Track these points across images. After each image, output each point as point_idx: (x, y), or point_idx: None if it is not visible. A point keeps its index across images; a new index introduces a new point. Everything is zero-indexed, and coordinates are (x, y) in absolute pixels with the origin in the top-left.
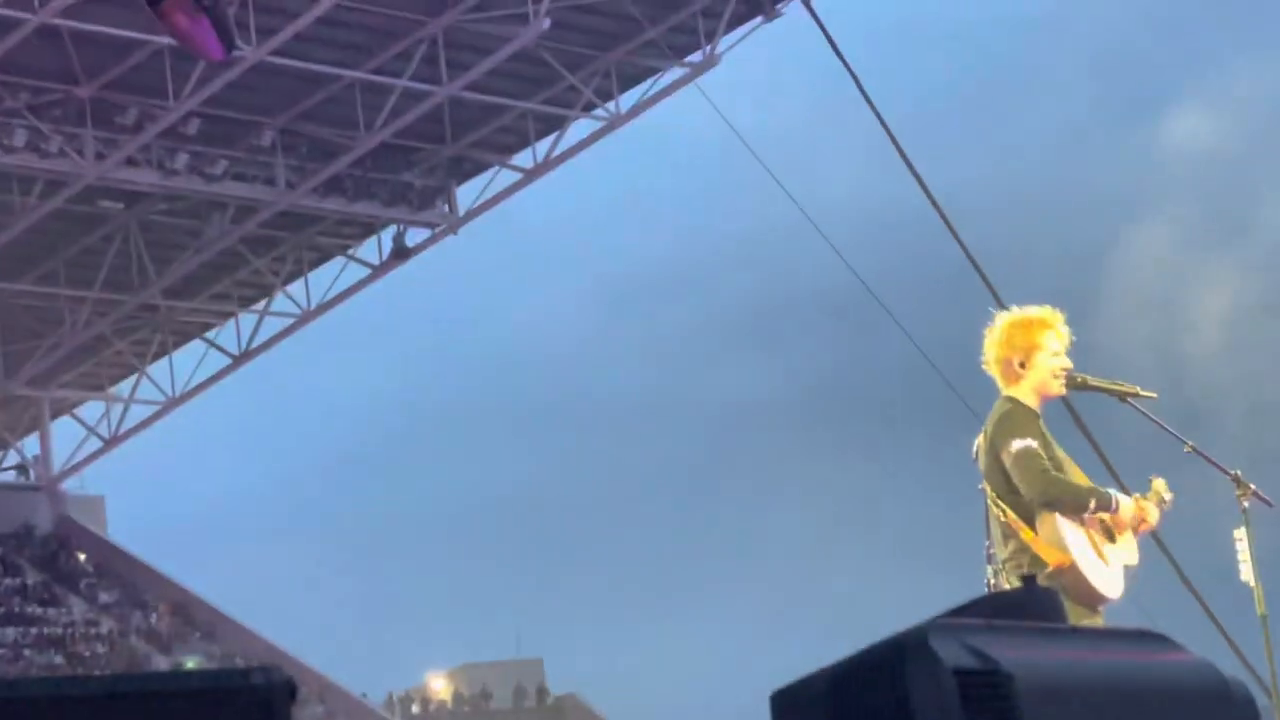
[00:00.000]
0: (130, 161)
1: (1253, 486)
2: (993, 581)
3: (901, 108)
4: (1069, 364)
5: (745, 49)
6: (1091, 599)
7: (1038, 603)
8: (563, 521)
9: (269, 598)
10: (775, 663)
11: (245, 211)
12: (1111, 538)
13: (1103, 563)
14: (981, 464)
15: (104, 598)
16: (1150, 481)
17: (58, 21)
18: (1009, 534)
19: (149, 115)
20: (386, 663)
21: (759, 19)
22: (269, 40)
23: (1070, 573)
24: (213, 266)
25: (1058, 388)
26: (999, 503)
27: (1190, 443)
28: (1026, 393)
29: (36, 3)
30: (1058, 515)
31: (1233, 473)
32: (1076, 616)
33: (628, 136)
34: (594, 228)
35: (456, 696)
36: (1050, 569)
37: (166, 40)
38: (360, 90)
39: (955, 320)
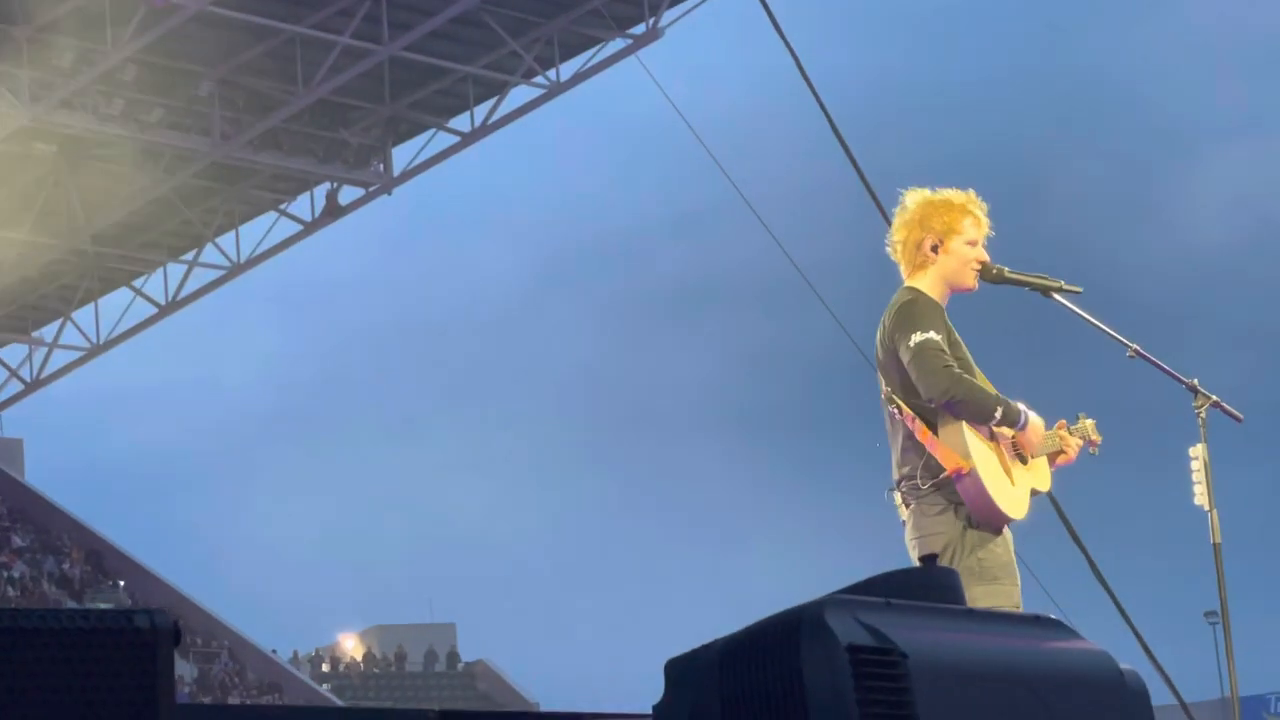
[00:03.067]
0: (65, 104)
1: (1213, 397)
2: (886, 497)
3: (843, 92)
4: (985, 256)
5: (688, 26)
6: (990, 514)
7: (937, 583)
8: (483, 490)
9: (185, 549)
10: (686, 631)
11: (179, 161)
12: (1023, 459)
13: (1007, 480)
14: (879, 361)
15: (17, 541)
16: (1078, 417)
17: None
18: (906, 441)
19: (86, 59)
20: (300, 621)
21: None
22: None
23: (969, 481)
24: (143, 215)
25: (971, 279)
26: (894, 398)
27: (1135, 346)
28: (933, 282)
29: None
30: (962, 420)
31: (1189, 381)
32: (978, 541)
33: (567, 106)
34: (529, 197)
35: (368, 657)
36: (947, 474)
37: None
38: (301, 45)
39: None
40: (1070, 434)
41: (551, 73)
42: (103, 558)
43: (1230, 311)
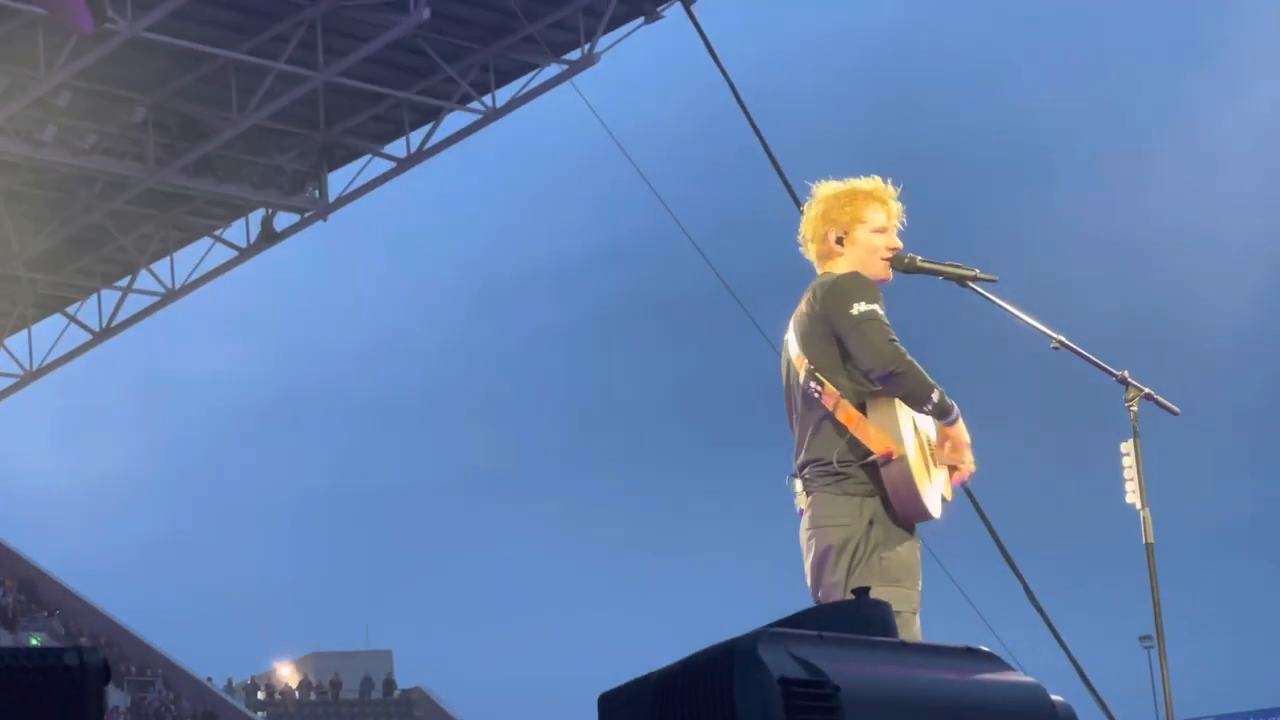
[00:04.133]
0: None
1: (1146, 389)
2: (787, 483)
3: (775, 117)
4: (897, 243)
5: (623, 50)
6: (912, 507)
7: (869, 616)
8: (419, 514)
9: (120, 578)
10: (623, 658)
11: (113, 187)
12: (934, 461)
13: (926, 475)
14: (794, 345)
15: None
16: None
17: None
18: (824, 423)
19: (19, 85)
20: (236, 648)
21: (639, 20)
22: (145, 15)
23: (897, 467)
24: (78, 241)
25: (881, 269)
26: (817, 375)
27: (1059, 337)
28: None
29: None
30: (897, 401)
31: (1119, 373)
32: (882, 537)
33: (502, 132)
34: (464, 223)
35: (303, 685)
36: (875, 456)
37: (40, 9)
38: (235, 71)
39: None
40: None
41: (487, 98)
42: (36, 587)
43: None
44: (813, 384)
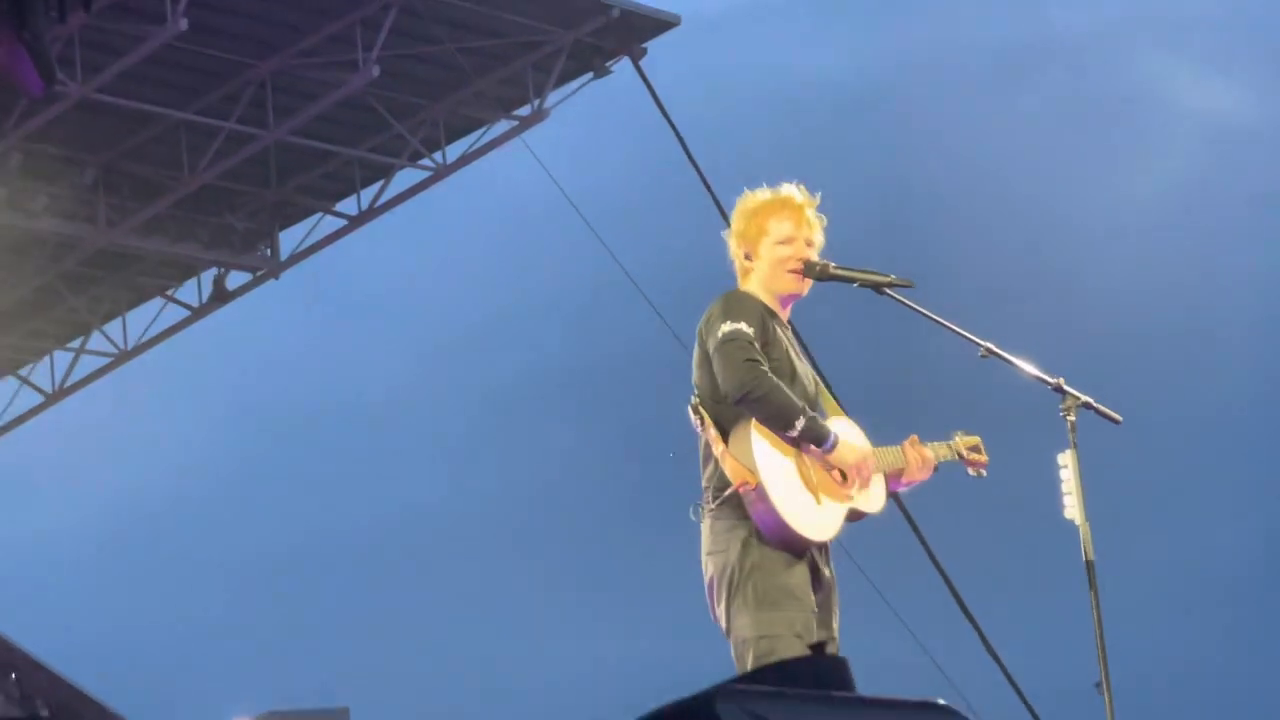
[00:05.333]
0: None
1: (1083, 397)
2: (692, 516)
3: (725, 170)
4: (805, 253)
5: (573, 104)
6: (781, 535)
7: (829, 673)
8: (372, 573)
9: (76, 641)
10: (584, 712)
11: (64, 249)
12: (845, 477)
13: (809, 498)
14: (693, 367)
15: None
16: (954, 435)
17: None
18: (705, 451)
19: None
20: (190, 708)
21: (589, 75)
22: (95, 77)
23: (755, 496)
24: (29, 303)
25: (788, 281)
26: (699, 409)
27: (987, 344)
28: (757, 290)
29: None
30: (754, 425)
31: (1054, 380)
32: (758, 561)
33: (451, 187)
34: (414, 280)
35: None
36: (733, 488)
37: None
38: (185, 131)
39: None
40: (926, 449)
41: (438, 155)
42: None
43: None
44: (695, 417)
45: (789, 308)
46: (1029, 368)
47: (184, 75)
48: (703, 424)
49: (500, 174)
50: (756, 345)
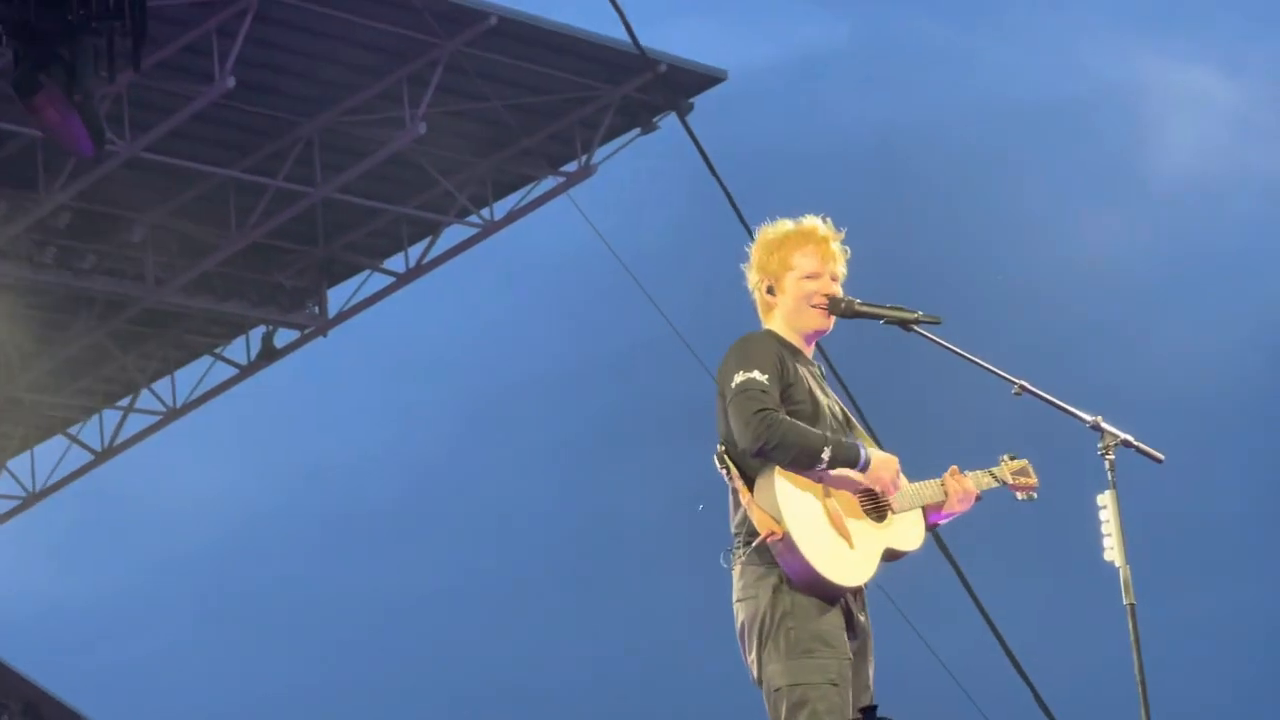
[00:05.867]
0: None
1: (1122, 435)
2: (723, 563)
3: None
4: (832, 289)
5: (618, 160)
6: (812, 582)
7: None
8: (414, 633)
9: (123, 697)
10: None
11: (113, 307)
12: (880, 515)
13: (840, 542)
14: (718, 417)
15: None
16: (1001, 459)
17: None
18: (734, 499)
19: (19, 207)
20: None
21: (635, 131)
22: (143, 136)
23: (783, 546)
24: (78, 362)
25: (813, 318)
26: (724, 458)
27: (1020, 381)
28: (780, 327)
29: None
30: (777, 472)
31: (1092, 419)
32: (790, 608)
33: (498, 243)
34: (458, 336)
35: None
36: (761, 538)
37: (38, 132)
38: (233, 189)
39: None
40: (967, 479)
41: (485, 211)
42: (40, 710)
43: None
44: (718, 464)
45: (813, 344)
46: (1065, 405)
47: (232, 133)
48: (729, 473)
49: (546, 229)
50: (771, 393)
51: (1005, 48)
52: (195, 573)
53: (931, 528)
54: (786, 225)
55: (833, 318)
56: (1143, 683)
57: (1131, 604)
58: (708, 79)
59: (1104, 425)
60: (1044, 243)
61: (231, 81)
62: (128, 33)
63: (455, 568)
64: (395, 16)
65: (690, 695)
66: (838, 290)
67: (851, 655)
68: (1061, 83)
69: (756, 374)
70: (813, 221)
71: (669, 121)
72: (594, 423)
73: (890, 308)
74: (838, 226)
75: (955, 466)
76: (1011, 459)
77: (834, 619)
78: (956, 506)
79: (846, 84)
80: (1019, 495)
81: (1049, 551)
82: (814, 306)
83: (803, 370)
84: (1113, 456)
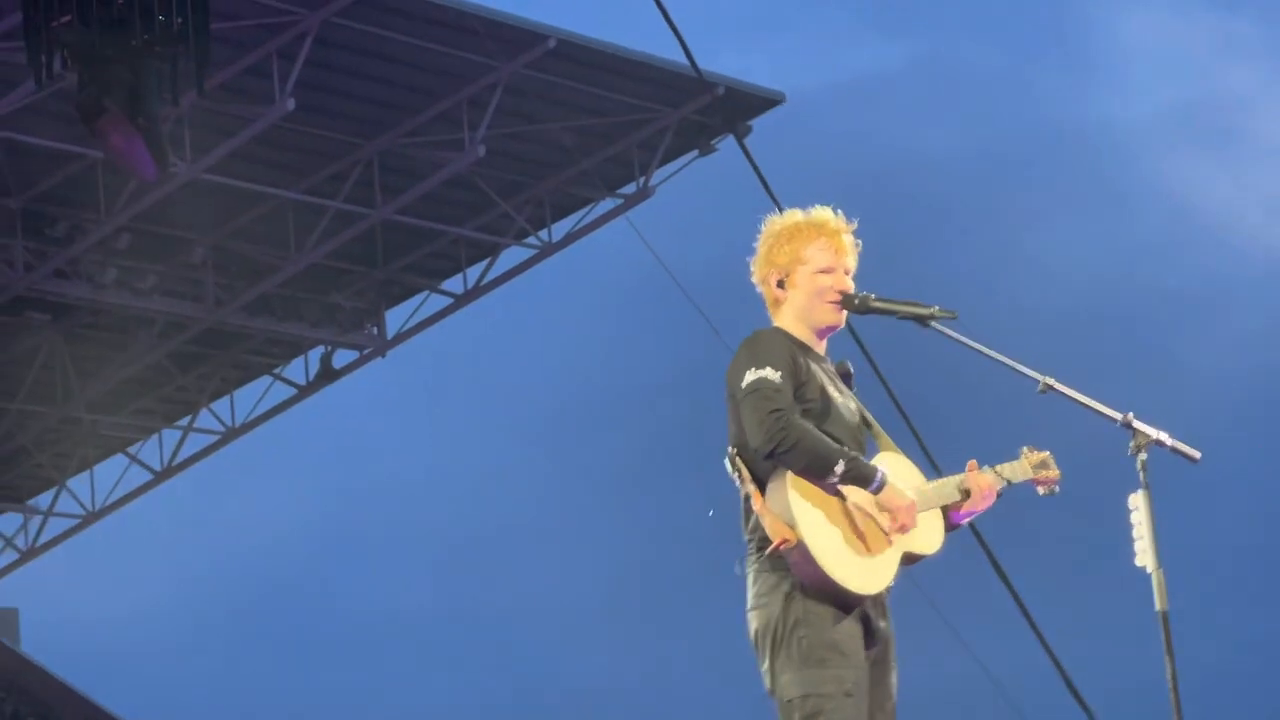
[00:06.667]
0: (59, 273)
1: (1154, 434)
2: (737, 570)
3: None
4: (846, 284)
5: (675, 182)
6: (828, 590)
7: None
8: (469, 653)
9: (181, 715)
10: None
11: (173, 327)
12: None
13: (857, 547)
14: (728, 419)
15: (14, 714)
16: (1022, 451)
17: None
18: (745, 505)
19: (80, 228)
20: None
21: (694, 153)
22: (203, 158)
23: (797, 554)
24: (138, 381)
25: (827, 313)
26: (735, 460)
27: (1046, 379)
28: (791, 323)
29: None
30: (789, 477)
31: (1123, 417)
32: (802, 615)
33: (556, 265)
34: (517, 357)
35: None
36: (774, 546)
37: (100, 154)
38: (293, 210)
39: None
40: (985, 475)
41: (543, 233)
42: None
43: None
44: (729, 467)
45: (825, 340)
46: (1093, 403)
47: (291, 155)
48: (740, 477)
49: (604, 251)
50: (785, 392)
51: (1061, 74)
52: (253, 592)
53: (952, 528)
54: (796, 216)
55: (845, 313)
56: (1175, 693)
57: (1164, 611)
58: (766, 101)
59: (1136, 423)
60: (1101, 265)
61: (291, 103)
62: (191, 56)
63: (511, 588)
64: (454, 39)
65: (747, 713)
66: (851, 285)
67: (870, 664)
68: (1118, 108)
69: (769, 372)
70: (824, 212)
71: (727, 144)
72: (651, 443)
73: (906, 302)
74: (902, 250)
75: (974, 461)
76: (1033, 451)
77: (849, 627)
78: (978, 505)
79: (903, 108)
80: (1041, 489)
81: (1079, 555)
82: (829, 303)
83: (815, 368)
84: (1145, 456)
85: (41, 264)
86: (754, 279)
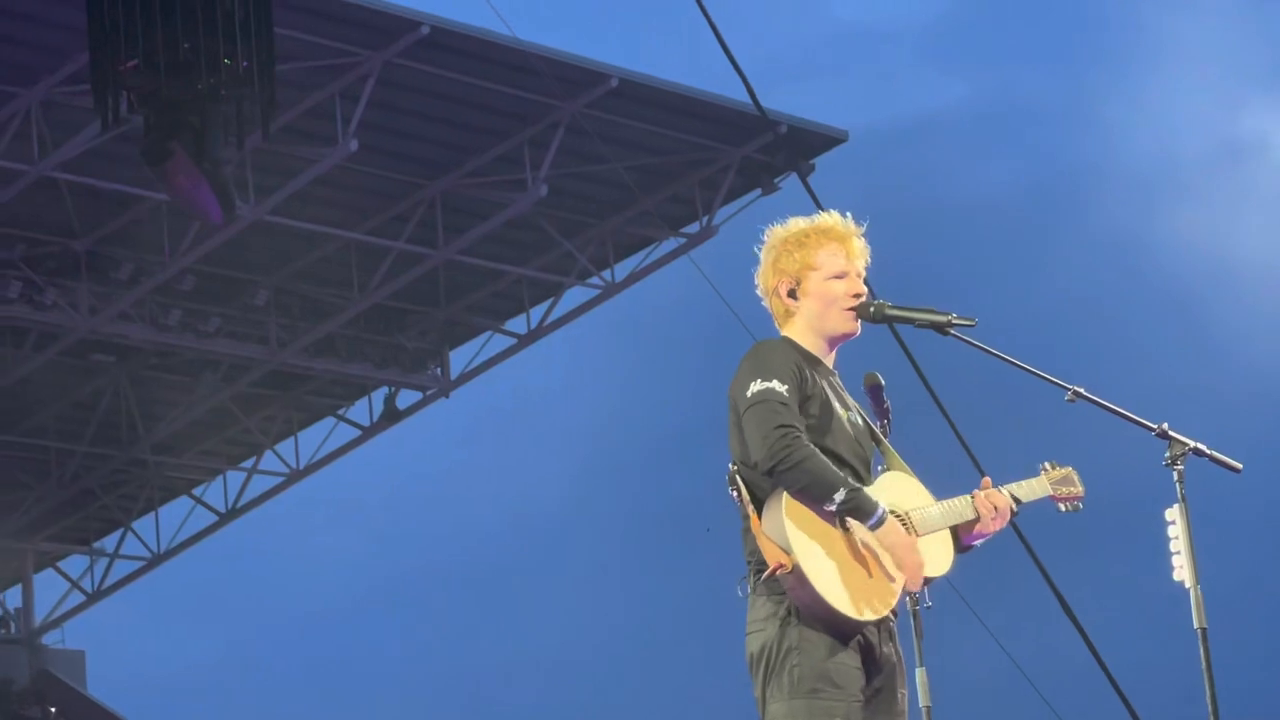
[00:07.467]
0: (124, 316)
1: (1191, 443)
2: (739, 593)
3: (894, 285)
4: (861, 289)
5: (738, 221)
6: (826, 618)
7: None
8: (539, 695)
9: None
10: None
11: (237, 369)
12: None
13: (858, 571)
14: (729, 435)
15: None
16: (1042, 467)
17: (56, 174)
18: (745, 524)
19: (144, 270)
20: None
21: (757, 192)
22: (267, 199)
23: (793, 580)
24: (202, 424)
25: (842, 321)
26: (736, 478)
27: (1074, 387)
28: (802, 332)
29: (36, 155)
30: (785, 498)
31: (1158, 426)
32: (796, 642)
33: (618, 305)
34: (577, 397)
35: None
36: (770, 571)
37: (164, 196)
38: (356, 251)
39: None
40: (1000, 494)
41: (606, 273)
42: None
43: None
44: (731, 489)
45: (835, 350)
46: (1126, 412)
47: (354, 196)
48: (739, 496)
49: (666, 290)
50: (791, 406)
51: (1121, 109)
52: (319, 633)
53: (963, 550)
54: (801, 223)
55: (860, 322)
56: (1215, 715)
57: (1203, 628)
58: (829, 140)
59: (1172, 433)
60: (1165, 302)
61: (354, 145)
62: (256, 100)
63: (576, 627)
64: (516, 79)
65: None
66: (864, 288)
67: (869, 694)
68: (1179, 142)
69: (775, 384)
70: (831, 217)
71: (790, 182)
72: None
73: (922, 310)
74: (969, 287)
75: (988, 479)
76: (1054, 467)
77: (845, 657)
78: (990, 526)
79: (965, 145)
80: (1062, 507)
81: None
82: (843, 310)
83: (821, 381)
84: (1181, 467)
85: (106, 307)
86: (759, 291)
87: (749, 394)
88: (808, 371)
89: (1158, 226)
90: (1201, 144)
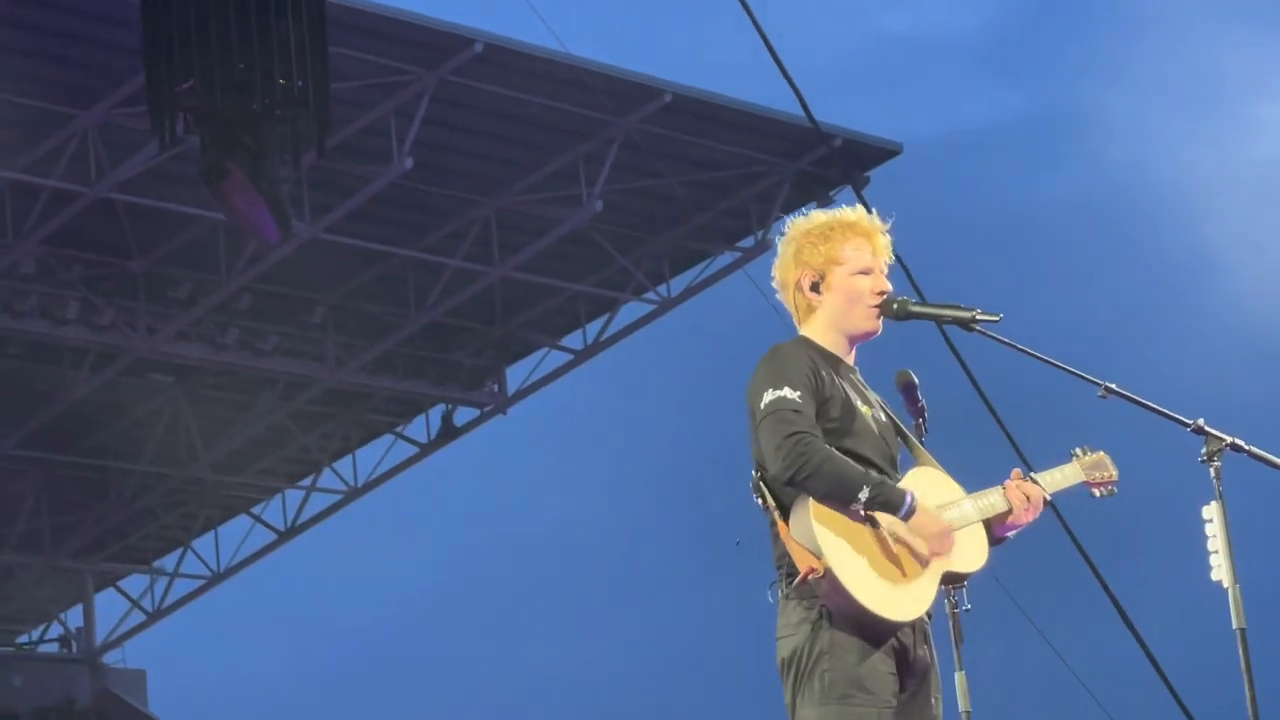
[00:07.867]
0: (181, 335)
1: (1228, 439)
2: (770, 598)
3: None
4: (886, 285)
5: None
6: (861, 620)
7: None
8: (597, 705)
9: None
10: None
11: (294, 387)
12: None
13: (892, 571)
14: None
15: None
16: (1073, 453)
17: (113, 195)
18: (772, 531)
19: (201, 290)
20: None
21: (811, 205)
22: (323, 218)
23: (826, 584)
24: (260, 442)
25: (866, 318)
26: (760, 485)
27: (1108, 384)
28: (823, 329)
29: (93, 176)
30: (812, 503)
31: (1193, 423)
32: (827, 647)
33: (675, 319)
34: (639, 411)
35: None
36: (802, 576)
37: (221, 216)
38: (412, 268)
39: None
40: (1031, 484)
41: (662, 288)
42: None
43: None
44: (756, 496)
45: (855, 349)
46: (1160, 408)
47: (410, 213)
48: (764, 502)
49: (722, 304)
50: (805, 413)
51: (1175, 119)
52: (378, 648)
53: (997, 543)
54: (822, 216)
55: (882, 320)
56: (1255, 717)
57: (1242, 629)
58: (883, 152)
59: (1208, 429)
60: (1218, 317)
61: (409, 162)
62: (311, 119)
63: (638, 645)
64: (571, 95)
65: None
66: (889, 285)
67: (908, 697)
68: (1233, 151)
69: (788, 391)
70: (855, 211)
71: (844, 195)
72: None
73: (946, 306)
74: (1024, 299)
75: (1017, 471)
76: (1085, 452)
77: (878, 661)
78: (1023, 517)
79: (1020, 157)
80: (1096, 492)
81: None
82: (868, 307)
83: (840, 381)
84: (1219, 464)
85: (164, 326)
86: (776, 284)
87: (762, 405)
88: (825, 373)
89: (1217, 239)
90: (1260, 155)
